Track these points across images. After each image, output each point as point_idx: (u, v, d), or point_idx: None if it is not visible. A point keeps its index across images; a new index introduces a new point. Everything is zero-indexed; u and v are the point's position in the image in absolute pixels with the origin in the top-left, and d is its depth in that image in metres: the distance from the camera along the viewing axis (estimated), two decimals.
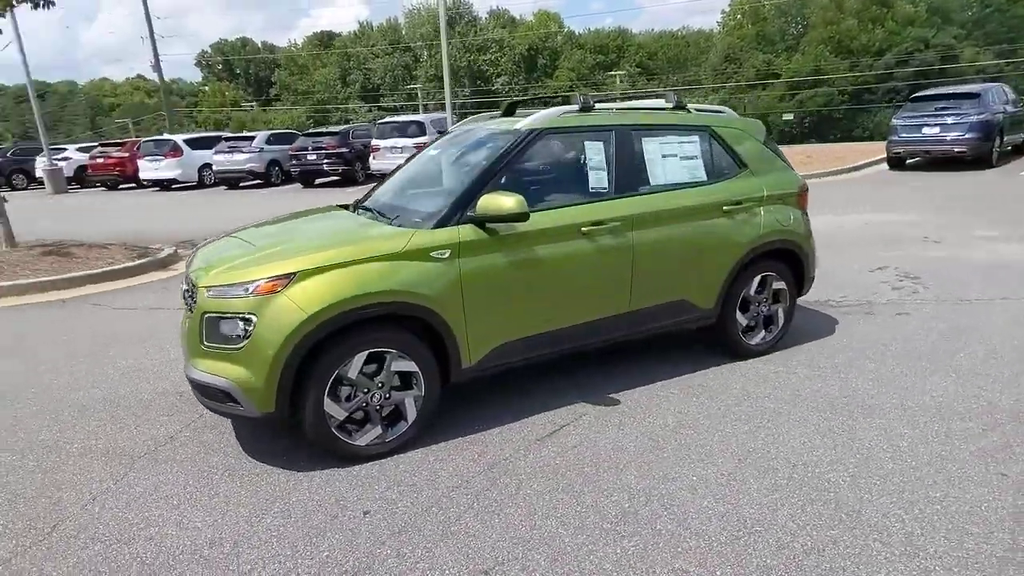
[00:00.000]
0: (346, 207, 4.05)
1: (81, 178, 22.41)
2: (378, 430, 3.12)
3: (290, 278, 2.87)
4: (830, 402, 3.56)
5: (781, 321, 4.33)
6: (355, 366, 2.98)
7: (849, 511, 2.58)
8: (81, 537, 2.60)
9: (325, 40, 74.12)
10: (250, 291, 2.87)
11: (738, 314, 4.13)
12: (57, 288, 7.13)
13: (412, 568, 2.35)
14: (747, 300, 4.17)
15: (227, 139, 20.17)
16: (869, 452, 3.02)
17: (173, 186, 20.14)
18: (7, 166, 22.88)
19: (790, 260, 4.29)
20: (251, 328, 2.83)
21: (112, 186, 21.46)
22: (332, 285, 2.89)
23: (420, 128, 17.23)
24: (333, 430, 3.00)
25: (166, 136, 21.79)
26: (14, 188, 22.64)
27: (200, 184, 20.01)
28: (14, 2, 7.99)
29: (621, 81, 66.21)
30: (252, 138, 19.56)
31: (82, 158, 22.59)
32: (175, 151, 19.59)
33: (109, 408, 3.84)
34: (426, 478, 2.95)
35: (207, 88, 78.12)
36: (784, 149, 4.81)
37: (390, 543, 2.49)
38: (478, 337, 3.26)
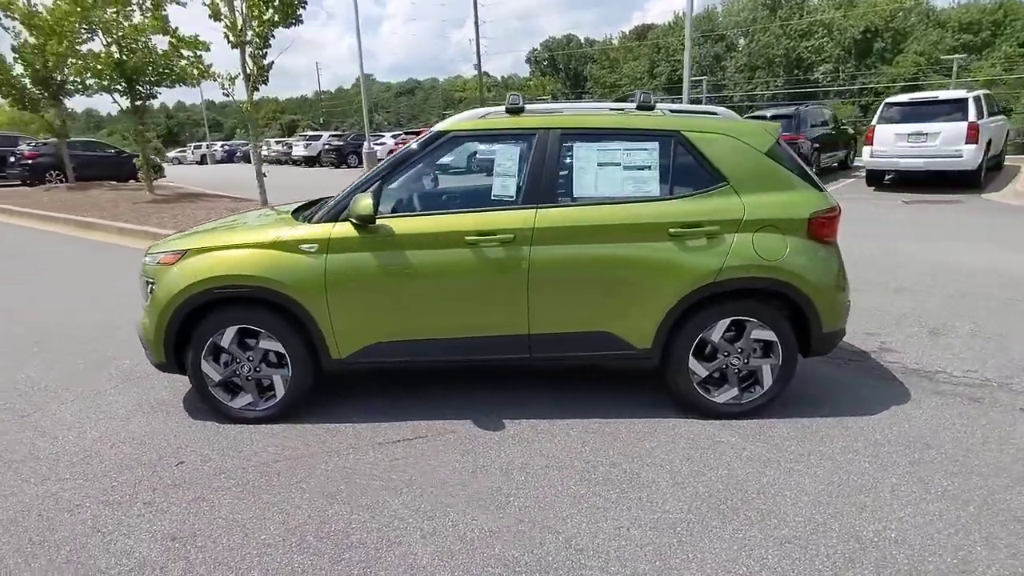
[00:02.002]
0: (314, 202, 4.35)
1: None
2: (250, 398, 3.49)
3: (182, 254, 3.41)
4: (728, 495, 2.75)
5: (767, 381, 3.38)
6: (227, 337, 3.39)
7: None
8: (32, 425, 3.55)
9: (642, 33, 75.44)
10: (158, 261, 3.49)
11: (692, 361, 3.37)
12: None
13: (143, 515, 2.68)
14: (713, 346, 3.37)
15: None
16: (658, 558, 2.31)
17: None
18: (346, 148, 29.21)
19: (784, 305, 3.32)
20: (154, 290, 3.46)
21: None
22: (207, 264, 3.34)
23: None
24: (211, 389, 3.47)
25: None
26: (349, 166, 28.76)
27: (468, 170, 22.64)
28: (288, 21, 10.26)
29: (991, 64, 53.01)
30: None
31: (392, 143, 27.53)
32: None
33: None
34: (253, 450, 3.22)
35: (532, 83, 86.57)
36: None
37: (157, 492, 2.86)
38: (346, 332, 3.37)
